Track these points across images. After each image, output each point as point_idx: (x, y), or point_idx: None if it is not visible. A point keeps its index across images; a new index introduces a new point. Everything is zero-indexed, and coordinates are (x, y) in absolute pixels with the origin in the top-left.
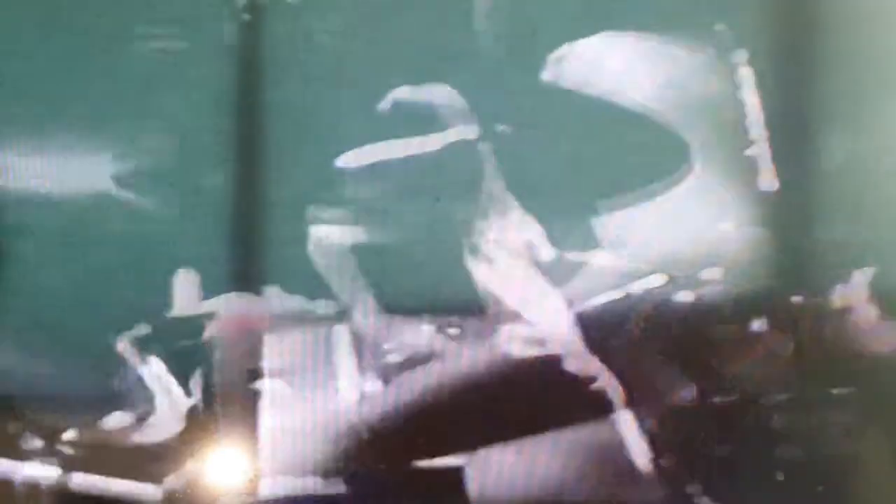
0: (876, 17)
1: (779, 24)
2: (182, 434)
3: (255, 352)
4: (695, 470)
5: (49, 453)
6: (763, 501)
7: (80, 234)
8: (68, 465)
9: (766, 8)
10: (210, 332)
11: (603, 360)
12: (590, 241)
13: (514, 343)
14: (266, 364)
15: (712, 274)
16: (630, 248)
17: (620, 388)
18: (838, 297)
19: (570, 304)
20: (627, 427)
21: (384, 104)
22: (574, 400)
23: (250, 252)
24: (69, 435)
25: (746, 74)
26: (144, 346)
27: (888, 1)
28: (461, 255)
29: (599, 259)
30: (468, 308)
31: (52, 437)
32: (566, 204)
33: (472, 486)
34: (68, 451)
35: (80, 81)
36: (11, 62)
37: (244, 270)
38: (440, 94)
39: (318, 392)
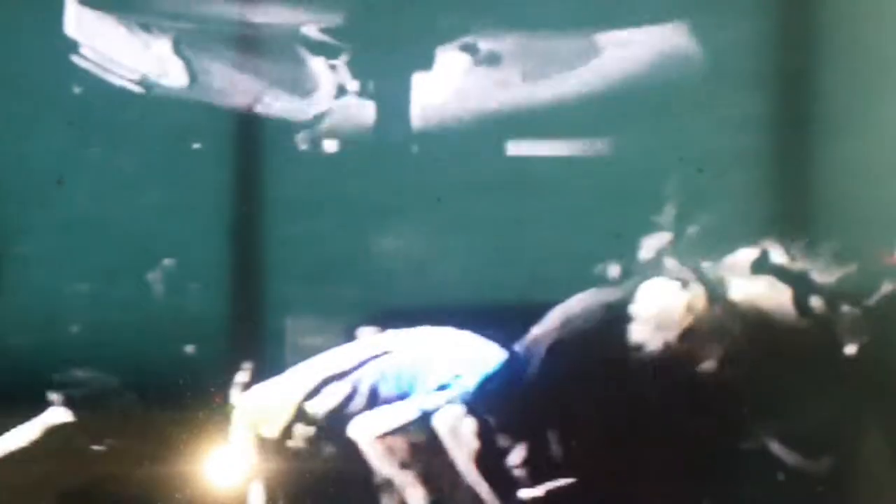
0: (876, 17)
1: (780, 24)
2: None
3: None
4: (694, 469)
5: None
6: (763, 501)
7: (81, 232)
8: None
9: (767, 9)
10: None
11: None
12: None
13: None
14: None
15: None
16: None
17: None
18: None
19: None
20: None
21: None
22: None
23: (250, 251)
24: None
25: (745, 74)
26: None
27: (888, 2)
28: (462, 254)
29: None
30: (468, 308)
31: None
32: (570, 203)
33: None
34: None
35: (76, 80)
36: (12, 61)
37: (245, 269)
38: None
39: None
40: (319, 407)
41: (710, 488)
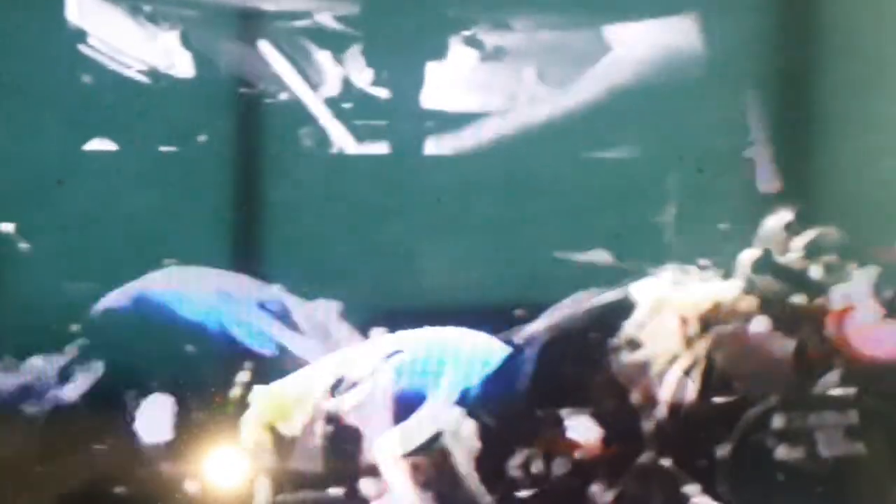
0: (876, 18)
1: (780, 25)
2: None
3: None
4: (694, 470)
5: None
6: (763, 501)
7: (81, 232)
8: None
9: (768, 8)
10: None
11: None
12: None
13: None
14: None
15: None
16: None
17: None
18: (839, 297)
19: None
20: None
21: None
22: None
23: (250, 252)
24: None
25: (745, 74)
26: None
27: (888, 2)
28: (462, 254)
29: (601, 257)
30: (468, 308)
31: None
32: (570, 203)
33: None
34: None
35: (76, 80)
36: (10, 61)
37: (244, 269)
38: None
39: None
40: (338, 405)
41: (710, 488)
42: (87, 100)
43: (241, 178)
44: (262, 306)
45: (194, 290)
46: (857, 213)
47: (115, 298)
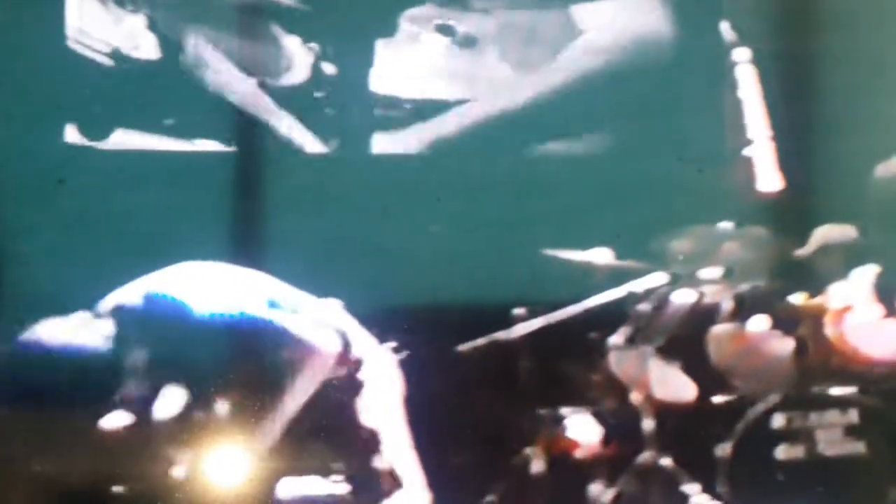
0: (877, 18)
1: (780, 24)
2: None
3: None
4: (694, 470)
5: None
6: (763, 501)
7: (82, 232)
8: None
9: (769, 9)
10: None
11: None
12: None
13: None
14: None
15: (712, 273)
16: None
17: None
18: (838, 296)
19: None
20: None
21: None
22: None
23: (250, 251)
24: None
25: (748, 73)
26: None
27: (888, 2)
28: (462, 254)
29: (600, 257)
30: (469, 307)
31: None
32: (570, 203)
33: None
34: None
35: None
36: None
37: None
38: None
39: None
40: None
41: (710, 488)
42: (86, 99)
43: (241, 178)
44: (272, 304)
45: (207, 287)
46: (857, 213)
47: (126, 294)
